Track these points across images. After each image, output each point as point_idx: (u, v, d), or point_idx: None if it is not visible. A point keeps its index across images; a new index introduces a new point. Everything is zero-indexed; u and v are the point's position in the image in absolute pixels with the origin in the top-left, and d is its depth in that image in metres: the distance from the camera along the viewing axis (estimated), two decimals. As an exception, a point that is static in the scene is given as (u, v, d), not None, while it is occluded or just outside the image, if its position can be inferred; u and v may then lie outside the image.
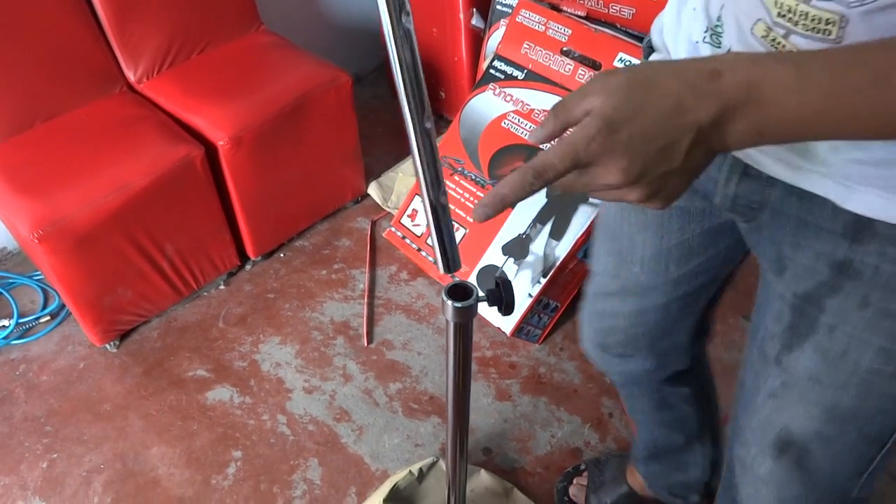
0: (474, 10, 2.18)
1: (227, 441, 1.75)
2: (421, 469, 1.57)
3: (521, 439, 1.71)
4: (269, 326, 2.01)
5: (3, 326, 2.03)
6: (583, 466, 1.61)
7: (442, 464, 1.59)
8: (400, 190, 2.27)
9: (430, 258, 2.00)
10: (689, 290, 0.98)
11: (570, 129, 0.52)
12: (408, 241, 2.05)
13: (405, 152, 2.34)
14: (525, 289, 1.80)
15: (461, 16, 2.18)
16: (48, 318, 2.08)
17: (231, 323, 2.03)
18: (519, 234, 1.84)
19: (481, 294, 0.72)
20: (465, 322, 0.75)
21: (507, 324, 1.84)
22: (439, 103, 2.57)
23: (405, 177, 2.29)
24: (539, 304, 1.83)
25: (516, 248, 1.84)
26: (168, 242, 1.89)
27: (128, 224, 1.77)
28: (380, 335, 1.96)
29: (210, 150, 1.87)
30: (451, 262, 0.67)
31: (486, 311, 1.89)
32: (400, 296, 2.06)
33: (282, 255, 2.22)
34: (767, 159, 0.69)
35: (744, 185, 0.74)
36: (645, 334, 1.06)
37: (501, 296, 0.69)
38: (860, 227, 0.65)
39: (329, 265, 2.17)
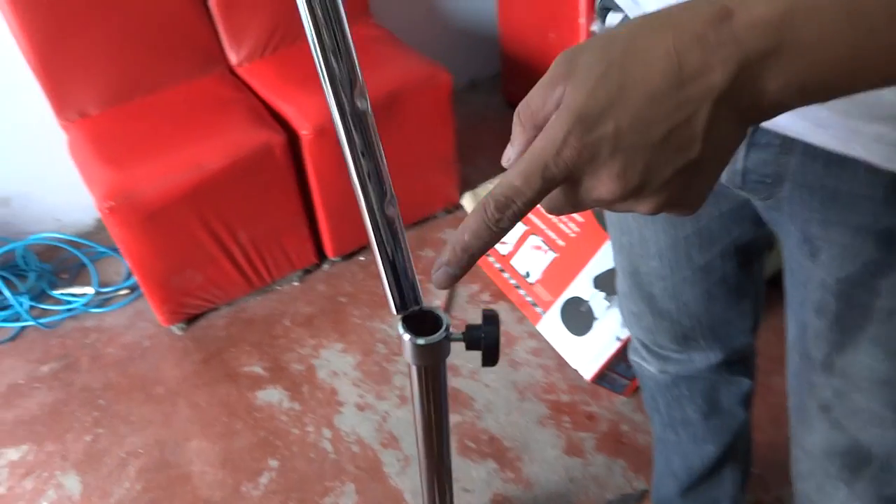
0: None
1: (267, 447, 1.63)
2: (459, 519, 1.37)
3: (585, 504, 1.47)
4: (335, 332, 1.89)
5: (84, 294, 2.04)
6: None
7: (484, 517, 1.38)
8: (496, 204, 2.08)
9: (513, 280, 1.80)
10: (725, 272, 0.85)
11: None
12: (491, 259, 1.86)
13: (509, 165, 2.15)
14: (613, 331, 1.57)
15: (581, 20, 1.97)
16: (127, 291, 2.07)
17: (297, 322, 1.93)
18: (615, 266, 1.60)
19: (454, 331, 0.52)
20: (431, 365, 0.56)
21: (588, 368, 1.60)
22: (555, 116, 2.36)
23: (504, 190, 2.10)
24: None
25: (610, 282, 1.61)
26: (242, 230, 1.81)
27: (200, 205, 1.70)
28: (448, 359, 1.78)
29: (294, 140, 1.78)
30: (403, 296, 0.49)
31: (565, 349, 1.66)
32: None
33: (361, 258, 2.10)
34: (784, 117, 0.50)
35: (753, 157, 0.60)
36: (697, 326, 0.92)
37: (480, 337, 0.49)
38: None
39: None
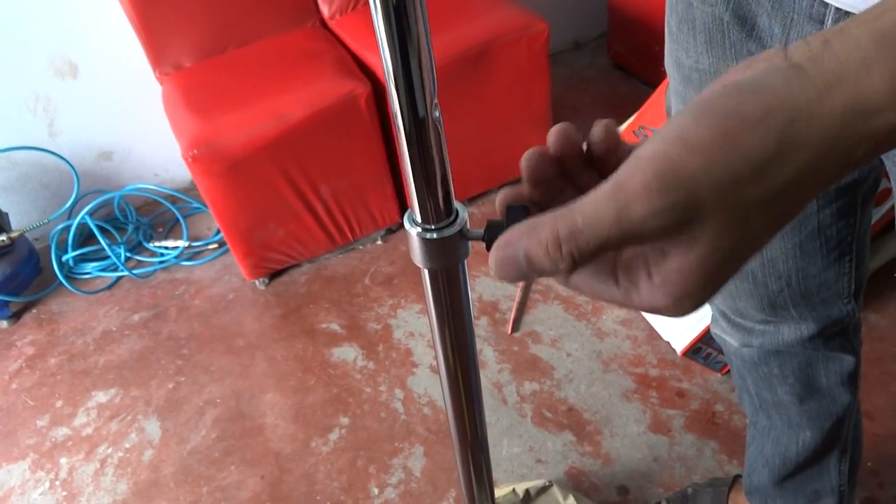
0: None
1: (339, 404, 1.60)
2: (528, 491, 1.28)
3: (670, 486, 1.34)
4: (413, 293, 1.83)
5: (176, 247, 2.08)
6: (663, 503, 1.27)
7: (556, 490, 1.28)
8: (591, 166, 1.95)
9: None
10: (821, 222, 0.71)
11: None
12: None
13: (608, 127, 2.01)
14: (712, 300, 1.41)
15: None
16: (215, 245, 2.09)
17: (377, 282, 1.88)
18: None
19: (471, 229, 0.42)
20: (445, 268, 0.46)
21: (680, 341, 1.46)
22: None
23: (600, 153, 1.96)
24: (728, 324, 1.42)
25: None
26: (324, 184, 1.78)
27: (283, 157, 1.68)
28: (528, 325, 1.68)
29: (380, 92, 1.72)
30: (437, 210, 0.40)
31: (657, 319, 1.53)
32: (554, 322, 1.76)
33: (446, 219, 2.02)
34: None
35: None
36: (786, 290, 0.78)
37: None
38: None
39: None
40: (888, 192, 1.27)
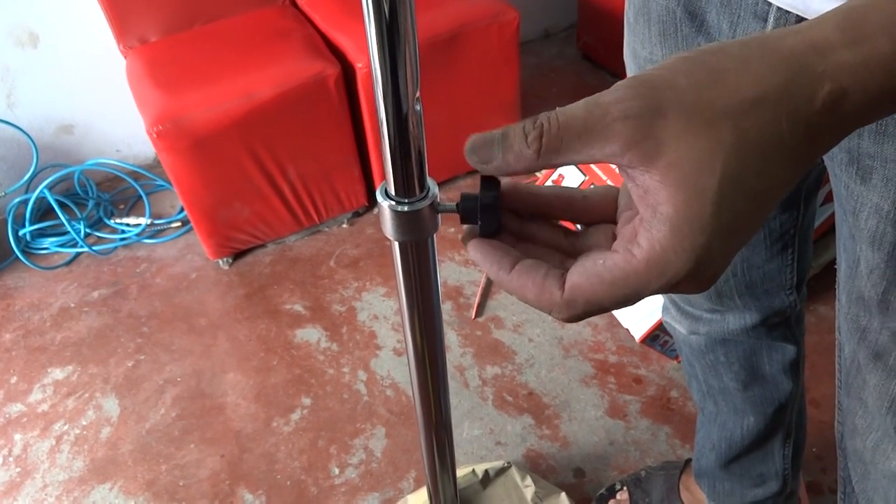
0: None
1: (301, 385, 1.60)
2: (487, 472, 1.30)
3: (625, 469, 1.38)
4: (379, 276, 1.83)
5: (138, 224, 2.05)
6: (618, 486, 1.32)
7: (514, 472, 1.31)
8: (557, 156, 1.97)
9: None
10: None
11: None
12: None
13: (575, 117, 2.03)
14: (670, 289, 1.45)
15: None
16: (178, 224, 2.06)
17: (342, 264, 1.88)
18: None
19: (442, 200, 0.44)
20: (416, 241, 0.47)
21: (638, 328, 1.49)
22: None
23: (567, 142, 1.99)
24: (685, 313, 1.46)
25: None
26: (291, 165, 1.77)
27: (249, 135, 1.67)
28: (492, 310, 1.70)
29: (349, 74, 1.72)
30: (408, 184, 0.41)
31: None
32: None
33: (413, 204, 2.03)
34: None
35: None
36: (731, 280, 0.83)
37: (475, 207, 0.40)
38: None
39: (459, 224, 1.94)
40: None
